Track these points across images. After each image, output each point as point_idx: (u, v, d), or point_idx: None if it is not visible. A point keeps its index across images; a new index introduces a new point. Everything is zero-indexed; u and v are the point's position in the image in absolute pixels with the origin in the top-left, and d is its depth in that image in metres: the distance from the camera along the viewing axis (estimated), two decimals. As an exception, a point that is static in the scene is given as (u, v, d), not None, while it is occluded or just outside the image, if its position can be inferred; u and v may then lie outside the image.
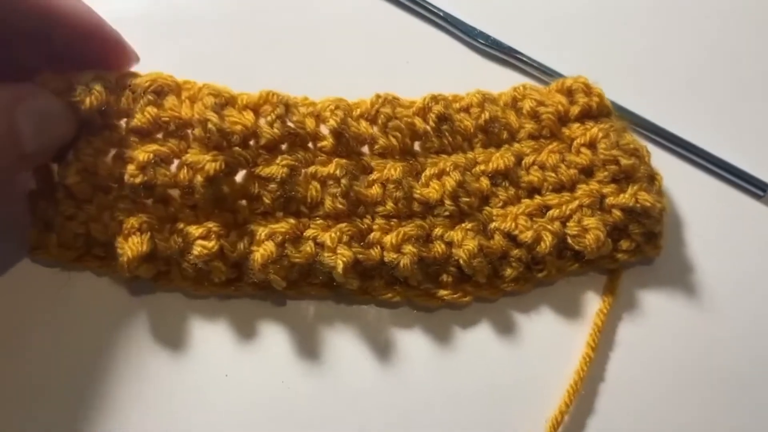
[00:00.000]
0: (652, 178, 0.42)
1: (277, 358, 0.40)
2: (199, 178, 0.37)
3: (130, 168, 0.37)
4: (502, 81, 0.44)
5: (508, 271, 0.40)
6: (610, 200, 0.40)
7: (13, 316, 0.40)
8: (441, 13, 0.48)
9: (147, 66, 0.40)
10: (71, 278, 0.41)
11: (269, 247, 0.38)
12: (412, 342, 0.41)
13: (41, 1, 0.35)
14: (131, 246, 0.37)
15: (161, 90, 0.38)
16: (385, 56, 0.48)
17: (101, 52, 0.39)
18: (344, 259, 0.38)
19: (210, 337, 0.40)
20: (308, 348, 0.40)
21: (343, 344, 0.41)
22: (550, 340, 0.41)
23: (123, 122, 0.38)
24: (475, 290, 0.41)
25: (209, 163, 0.37)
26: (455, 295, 0.40)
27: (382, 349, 0.41)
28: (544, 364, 0.41)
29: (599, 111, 0.42)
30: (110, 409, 0.38)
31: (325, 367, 0.40)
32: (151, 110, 0.38)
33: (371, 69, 0.47)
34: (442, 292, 0.40)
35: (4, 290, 0.40)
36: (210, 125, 0.37)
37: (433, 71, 0.47)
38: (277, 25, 0.48)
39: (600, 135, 0.41)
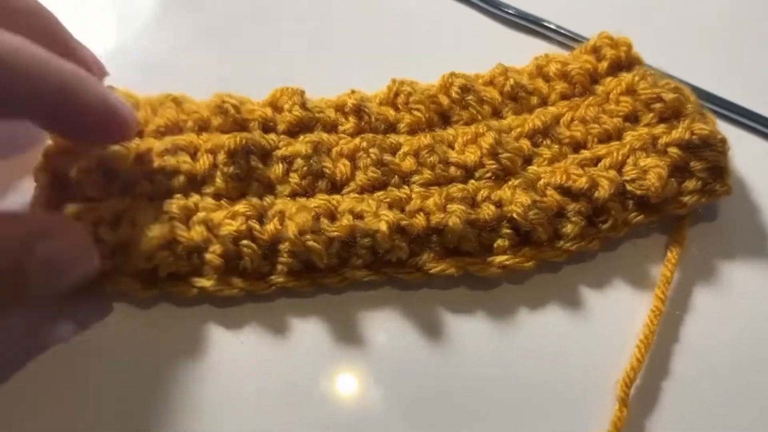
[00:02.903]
0: (702, 114, 0.39)
1: (317, 341, 0.35)
2: (221, 157, 0.35)
3: (149, 155, 0.35)
4: (529, 51, 0.42)
5: (569, 227, 0.36)
6: (663, 140, 0.37)
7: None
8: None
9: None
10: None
11: (304, 215, 0.34)
12: (470, 319, 0.36)
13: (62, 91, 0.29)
14: (152, 230, 0.33)
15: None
16: (406, 29, 0.46)
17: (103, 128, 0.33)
18: (387, 218, 0.34)
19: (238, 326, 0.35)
20: (352, 332, 0.35)
21: (393, 326, 0.36)
22: (616, 307, 0.36)
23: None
24: (537, 253, 0.36)
25: (229, 139, 0.35)
26: (516, 260, 0.36)
27: (437, 330, 0.35)
28: (610, 331, 0.35)
29: (629, 61, 0.41)
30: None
31: (372, 349, 0.35)
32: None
33: (393, 41, 0.46)
34: (501, 258, 0.36)
35: None
36: (227, 106, 0.36)
37: (457, 43, 0.46)
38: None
39: (637, 78, 0.39)
